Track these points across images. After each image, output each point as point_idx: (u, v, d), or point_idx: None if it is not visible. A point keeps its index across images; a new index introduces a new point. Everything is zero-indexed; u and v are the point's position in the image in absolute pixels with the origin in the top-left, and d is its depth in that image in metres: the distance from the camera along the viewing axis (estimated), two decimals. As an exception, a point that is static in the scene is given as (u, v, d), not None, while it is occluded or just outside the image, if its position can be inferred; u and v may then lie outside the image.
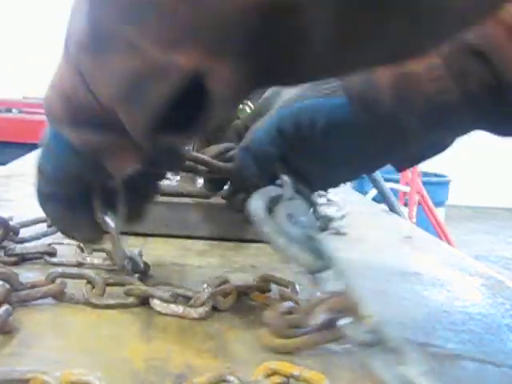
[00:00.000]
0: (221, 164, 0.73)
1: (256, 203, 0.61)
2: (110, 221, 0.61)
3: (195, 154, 0.74)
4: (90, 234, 0.63)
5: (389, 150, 0.65)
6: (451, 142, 0.67)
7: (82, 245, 0.75)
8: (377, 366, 0.45)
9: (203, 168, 0.73)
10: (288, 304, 0.57)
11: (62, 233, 0.63)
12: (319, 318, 0.51)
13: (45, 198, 0.60)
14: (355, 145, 0.64)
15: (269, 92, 0.69)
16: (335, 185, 0.74)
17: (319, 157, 0.65)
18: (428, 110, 0.59)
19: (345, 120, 0.62)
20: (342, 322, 0.50)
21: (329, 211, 1.08)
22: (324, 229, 0.85)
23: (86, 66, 0.45)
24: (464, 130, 0.64)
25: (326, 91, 0.62)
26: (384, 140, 0.63)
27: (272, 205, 0.62)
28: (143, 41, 0.38)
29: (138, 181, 0.60)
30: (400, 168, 0.72)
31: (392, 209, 1.64)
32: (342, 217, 1.13)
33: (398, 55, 0.44)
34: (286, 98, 0.64)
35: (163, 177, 0.70)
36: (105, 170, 0.56)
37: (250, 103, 0.89)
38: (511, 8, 0.55)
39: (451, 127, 0.62)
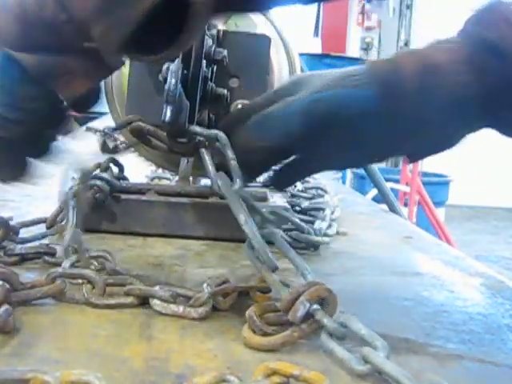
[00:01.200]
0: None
1: (226, 185, 0.63)
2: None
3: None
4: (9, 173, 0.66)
5: (404, 140, 0.66)
6: (460, 139, 0.68)
7: (76, 246, 0.74)
8: (339, 350, 0.49)
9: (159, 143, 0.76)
10: (273, 302, 0.58)
11: None
12: (297, 313, 0.51)
13: None
14: (371, 134, 0.65)
15: (288, 82, 0.71)
16: (339, 169, 0.75)
17: (332, 141, 0.66)
18: (448, 102, 0.61)
19: (367, 111, 0.63)
20: (318, 314, 0.51)
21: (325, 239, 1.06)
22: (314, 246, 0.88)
23: None
24: (476, 127, 0.66)
25: (355, 83, 0.64)
26: (401, 130, 0.64)
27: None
28: None
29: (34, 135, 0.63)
30: (411, 159, 0.73)
31: (392, 209, 1.64)
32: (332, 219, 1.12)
33: None
34: (317, 83, 0.65)
35: (54, 138, 0.71)
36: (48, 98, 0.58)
37: (243, 101, 0.89)
38: None
39: (466, 123, 0.64)
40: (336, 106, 0.64)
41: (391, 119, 0.63)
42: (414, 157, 0.72)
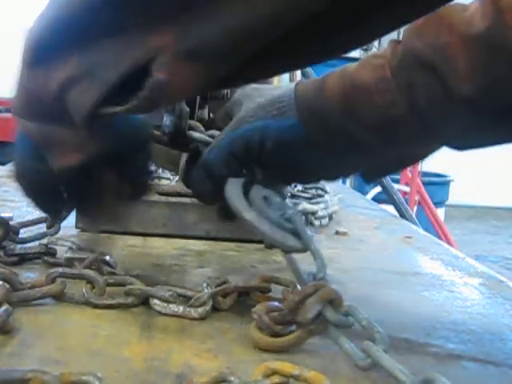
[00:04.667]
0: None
1: (232, 190, 0.62)
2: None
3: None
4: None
5: (346, 163, 0.65)
6: (426, 153, 0.66)
7: (73, 246, 0.74)
8: (343, 342, 0.50)
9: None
10: (277, 302, 0.58)
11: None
12: (308, 314, 0.51)
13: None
14: (309, 160, 0.64)
15: (234, 97, 0.71)
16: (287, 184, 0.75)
17: (272, 170, 0.65)
18: (379, 123, 0.58)
19: (294, 140, 0.62)
20: (328, 314, 0.51)
21: (314, 207, 1.08)
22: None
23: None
24: (423, 143, 0.62)
25: (275, 112, 0.63)
26: (339, 154, 0.62)
27: (246, 188, 0.63)
28: (127, 22, 0.41)
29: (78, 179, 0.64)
30: (367, 179, 0.71)
31: (402, 214, 1.61)
32: (330, 216, 1.12)
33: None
34: (239, 116, 0.65)
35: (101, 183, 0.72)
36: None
37: None
38: (467, 16, 0.53)
39: (406, 141, 0.60)
40: (256, 140, 0.63)
41: (324, 144, 0.61)
42: (370, 175, 0.70)
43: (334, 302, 0.52)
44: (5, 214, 0.86)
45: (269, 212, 0.62)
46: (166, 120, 0.72)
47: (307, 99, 0.62)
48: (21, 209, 1.02)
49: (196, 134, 0.72)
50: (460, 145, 0.61)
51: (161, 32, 0.41)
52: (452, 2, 0.52)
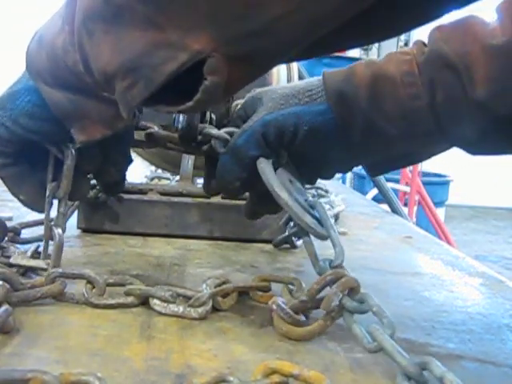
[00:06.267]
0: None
1: (265, 167, 0.63)
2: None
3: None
4: (33, 198, 0.68)
5: (361, 152, 0.67)
6: (426, 156, 0.69)
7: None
8: (354, 326, 0.52)
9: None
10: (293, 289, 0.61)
11: (11, 192, 0.68)
12: (331, 303, 0.53)
13: None
14: (332, 148, 0.66)
15: (248, 97, 0.70)
16: (310, 182, 0.76)
17: (297, 157, 0.67)
18: (400, 114, 0.61)
19: (324, 126, 0.64)
20: (347, 304, 0.53)
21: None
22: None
23: (94, 35, 0.46)
24: (435, 144, 0.66)
25: (307, 99, 0.65)
26: (357, 141, 0.64)
27: (274, 167, 0.64)
28: (163, 20, 0.41)
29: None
30: (372, 173, 0.74)
31: (394, 209, 1.65)
32: (336, 216, 1.12)
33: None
34: (269, 105, 0.65)
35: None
36: (63, 136, 0.62)
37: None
38: (489, 29, 0.57)
39: (420, 137, 0.63)
40: (291, 124, 0.64)
41: (347, 129, 0.63)
42: (374, 170, 0.72)
43: (353, 290, 0.54)
44: (4, 214, 0.86)
45: (296, 195, 0.63)
46: (178, 116, 0.71)
47: (336, 83, 0.64)
48: (20, 209, 1.02)
49: (214, 131, 0.71)
50: (472, 149, 0.64)
51: (197, 33, 0.41)
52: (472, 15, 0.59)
